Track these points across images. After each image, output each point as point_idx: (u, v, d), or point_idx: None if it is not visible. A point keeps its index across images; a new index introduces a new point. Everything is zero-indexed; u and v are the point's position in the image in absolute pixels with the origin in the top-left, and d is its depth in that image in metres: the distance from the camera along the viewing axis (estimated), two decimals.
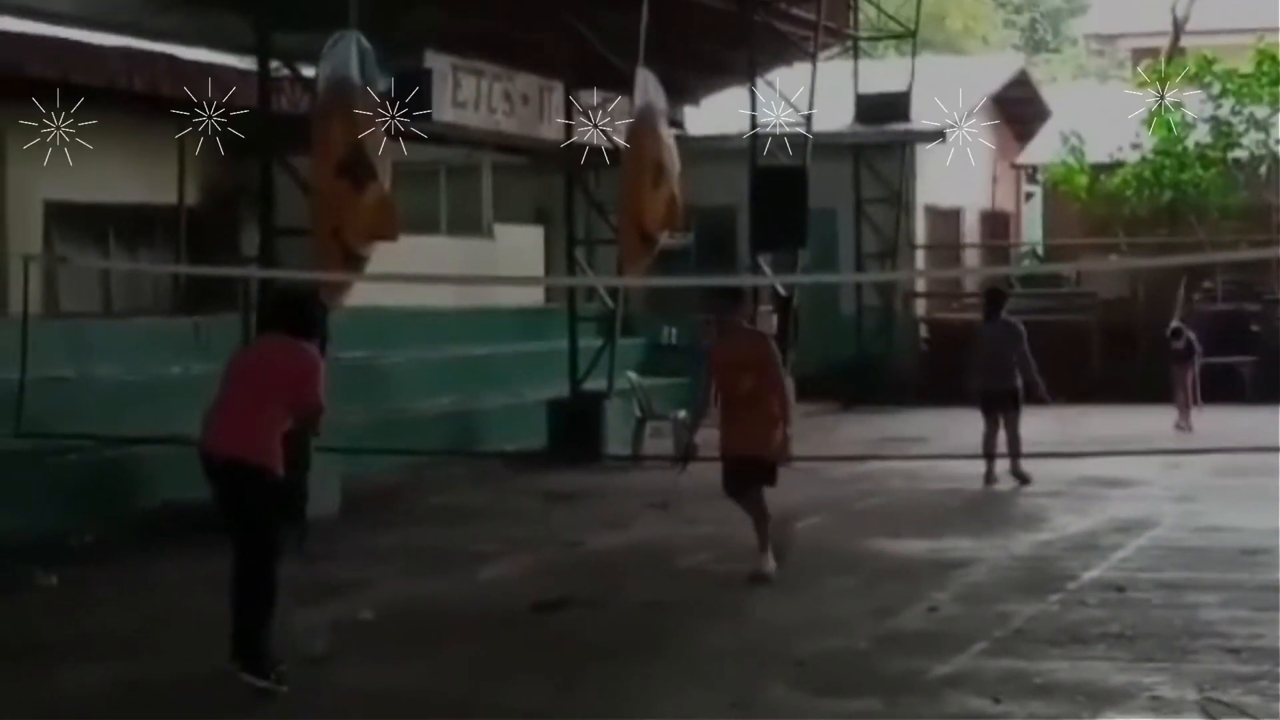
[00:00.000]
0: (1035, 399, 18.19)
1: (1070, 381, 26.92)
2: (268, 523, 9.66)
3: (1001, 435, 18.15)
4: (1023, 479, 18.00)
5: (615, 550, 14.65)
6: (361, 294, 17.26)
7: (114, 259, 20.26)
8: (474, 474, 19.55)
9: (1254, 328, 28.65)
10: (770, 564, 12.75)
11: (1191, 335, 24.62)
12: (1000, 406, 18.13)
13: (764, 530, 12.90)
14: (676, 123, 26.20)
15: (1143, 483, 17.98)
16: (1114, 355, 28.46)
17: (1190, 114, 31.40)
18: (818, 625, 11.23)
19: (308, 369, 9.88)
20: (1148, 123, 31.67)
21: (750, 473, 12.87)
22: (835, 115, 29.42)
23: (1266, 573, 12.69)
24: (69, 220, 19.32)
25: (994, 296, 19.30)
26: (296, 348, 9.95)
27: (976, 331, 19.41)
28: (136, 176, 20.03)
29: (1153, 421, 23.42)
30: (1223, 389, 25.78)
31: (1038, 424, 18.59)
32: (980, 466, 18.04)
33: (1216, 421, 22.96)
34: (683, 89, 26.32)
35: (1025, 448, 18.03)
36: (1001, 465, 18.11)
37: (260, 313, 10.82)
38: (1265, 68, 31.10)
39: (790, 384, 25.06)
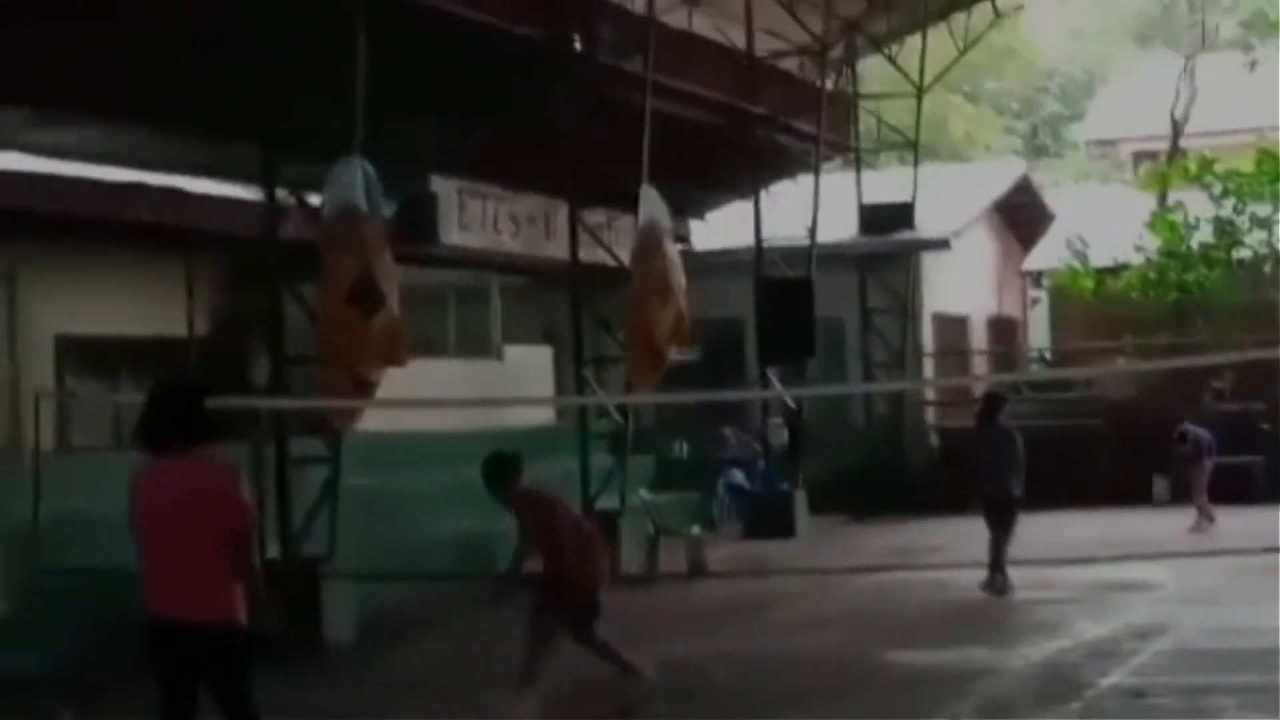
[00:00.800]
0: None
1: (1080, 485, 27.05)
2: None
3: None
4: (1002, 590, 17.88)
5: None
6: (372, 419, 17.31)
7: (125, 392, 20.32)
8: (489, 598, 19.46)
9: (1263, 426, 28.66)
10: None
11: (1203, 434, 24.61)
12: (1000, 513, 18.08)
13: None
14: (682, 238, 26.38)
15: (1158, 586, 17.93)
16: (1124, 458, 28.42)
17: (1193, 215, 31.56)
18: None
19: (221, 493, 7.96)
20: (1151, 224, 31.85)
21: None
22: (840, 226, 29.59)
23: None
24: (80, 354, 19.41)
25: (991, 402, 19.30)
26: (199, 466, 7.99)
27: (975, 438, 19.45)
28: (146, 309, 20.13)
29: (1166, 524, 23.37)
30: (1233, 488, 25.74)
31: (1042, 530, 18.50)
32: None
33: (1228, 521, 22.92)
34: (687, 204, 26.51)
35: (1037, 554, 17.99)
36: (1013, 572, 18.02)
37: (144, 420, 8.15)
38: (1265, 166, 31.28)
39: (803, 495, 25.20)
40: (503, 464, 12.46)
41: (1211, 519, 23.75)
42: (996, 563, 17.93)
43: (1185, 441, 24.40)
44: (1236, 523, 22.64)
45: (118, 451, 19.26)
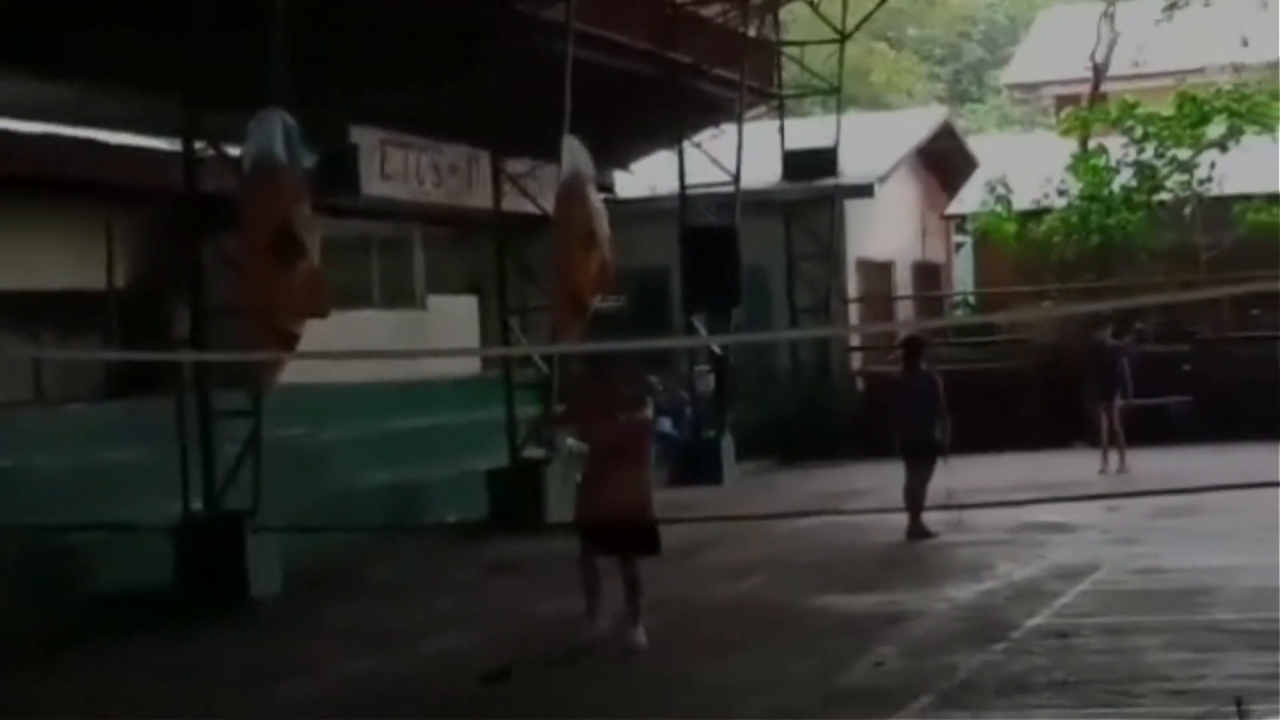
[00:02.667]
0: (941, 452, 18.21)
1: (1005, 428, 27.20)
2: None
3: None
4: (925, 534, 17.98)
5: (560, 618, 14.58)
6: (295, 371, 17.22)
7: (45, 346, 20.15)
8: (416, 547, 19.49)
9: (1185, 368, 28.87)
10: (642, 635, 12.57)
11: (1119, 353, 24.50)
12: (920, 457, 18.17)
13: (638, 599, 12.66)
14: (606, 187, 26.31)
15: (1083, 527, 18.06)
16: (1048, 401, 28.56)
17: (1114, 159, 31.72)
18: (763, 686, 11.23)
19: None
20: (1073, 169, 31.98)
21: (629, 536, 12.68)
22: (763, 173, 29.57)
23: (1209, 613, 12.78)
24: None
25: (912, 346, 19.36)
26: None
27: (896, 383, 19.51)
28: (65, 263, 19.93)
29: (1090, 466, 23.51)
30: (1155, 429, 25.93)
31: (966, 472, 18.57)
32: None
33: (1151, 462, 23.08)
34: (611, 153, 26.43)
35: (964, 497, 18.07)
36: (937, 516, 18.11)
37: None
38: (1186, 110, 31.42)
39: (730, 442, 25.26)
40: None
41: (1123, 462, 23.77)
42: (915, 507, 18.03)
43: (1101, 350, 24.32)
44: (1160, 463, 22.80)
45: (38, 405, 19.15)
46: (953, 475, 17.67)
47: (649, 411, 13.04)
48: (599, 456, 12.88)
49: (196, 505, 16.53)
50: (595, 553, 12.83)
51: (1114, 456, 23.96)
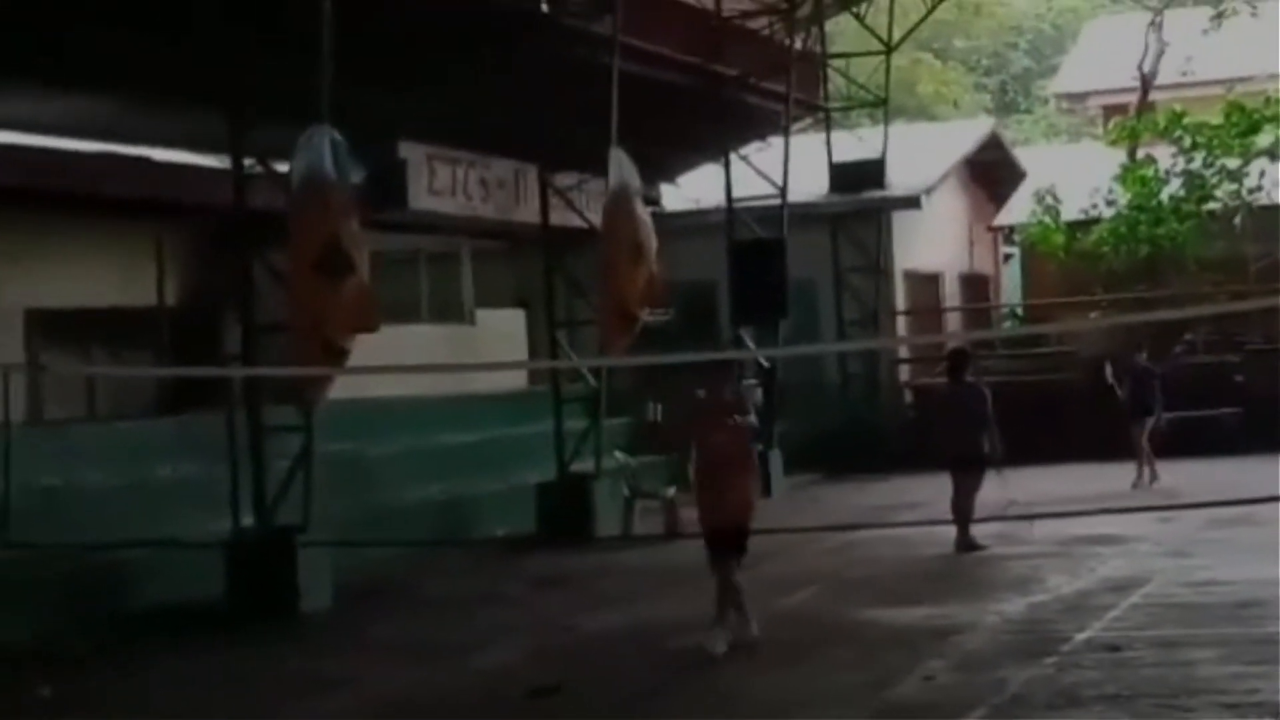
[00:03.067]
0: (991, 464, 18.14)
1: (1053, 440, 27.06)
2: None
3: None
4: (974, 547, 17.92)
5: (609, 633, 14.61)
6: (345, 386, 17.28)
7: (96, 363, 20.26)
8: (465, 561, 19.53)
9: (1237, 378, 28.71)
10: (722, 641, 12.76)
11: (1152, 372, 24.36)
12: (968, 470, 18.09)
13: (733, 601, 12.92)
14: (653, 200, 26.34)
15: (1134, 539, 17.97)
16: (1096, 413, 28.43)
17: (1163, 168, 31.59)
18: (814, 700, 11.21)
19: None
20: (1121, 179, 31.86)
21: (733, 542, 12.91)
22: (810, 185, 29.56)
23: (1262, 626, 12.68)
24: (51, 327, 19.34)
25: (958, 359, 19.29)
26: None
27: (942, 395, 19.43)
28: (116, 280, 20.07)
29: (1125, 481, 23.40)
30: (1207, 441, 25.78)
31: (1016, 485, 18.49)
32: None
33: (1203, 474, 22.95)
34: (658, 167, 26.48)
35: (1014, 510, 18.01)
36: (979, 529, 18.04)
37: None
38: (1234, 119, 31.29)
39: (778, 455, 25.21)
40: None
41: (1155, 475, 23.63)
42: (963, 520, 17.97)
43: (1131, 370, 24.20)
44: (1211, 475, 22.67)
45: (91, 423, 19.28)
46: (1007, 487, 17.61)
47: (753, 418, 13.31)
48: (713, 465, 13.05)
49: (247, 520, 16.59)
50: (720, 558, 12.98)
51: (1146, 470, 23.83)
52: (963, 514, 18.01)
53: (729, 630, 12.90)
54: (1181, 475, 23.41)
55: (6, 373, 16.06)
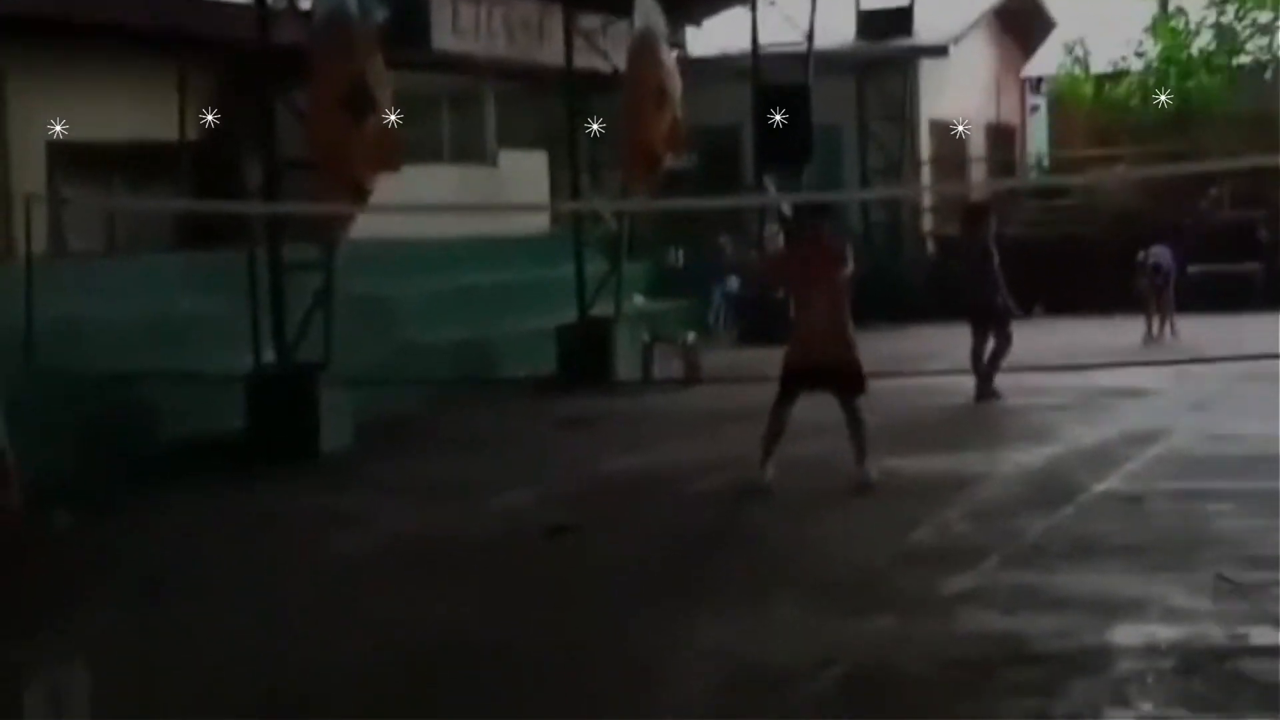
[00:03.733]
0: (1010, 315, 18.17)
1: (1077, 292, 27.01)
2: None
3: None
4: (993, 395, 17.93)
5: (628, 475, 14.66)
6: (366, 225, 17.24)
7: (117, 196, 20.23)
8: (485, 402, 19.57)
9: (1262, 234, 28.56)
10: (873, 472, 13.10)
11: (1164, 258, 24.20)
12: (986, 321, 18.08)
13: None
14: (677, 44, 26.09)
15: (1155, 393, 17.94)
16: (1121, 266, 28.32)
17: (1194, 20, 31.25)
18: (833, 545, 11.25)
19: None
20: (1151, 30, 31.54)
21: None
22: (837, 32, 29.28)
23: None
24: (72, 160, 19.29)
25: (974, 212, 19.18)
26: None
27: (958, 248, 19.34)
28: (139, 114, 19.97)
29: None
30: (1232, 296, 25.69)
31: (1038, 337, 18.47)
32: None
33: (1226, 328, 22.88)
34: (683, 10, 26.18)
35: (1034, 360, 18.00)
36: (1009, 379, 18.04)
37: None
38: None
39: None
40: None
41: (1174, 330, 23.54)
42: (980, 370, 17.99)
43: (1145, 270, 24.09)
44: (1235, 330, 22.61)
45: (111, 256, 19.27)
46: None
47: (851, 263, 13.36)
48: (811, 304, 13.20)
49: (268, 357, 16.60)
50: (792, 400, 13.26)
51: (1159, 324, 23.75)
52: (980, 364, 18.02)
53: (773, 467, 13.04)
54: (1203, 329, 23.37)
55: (29, 203, 16.06)
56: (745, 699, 7.84)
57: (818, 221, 13.96)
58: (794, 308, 13.65)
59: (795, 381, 13.24)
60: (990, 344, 18.07)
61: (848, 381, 13.28)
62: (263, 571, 11.07)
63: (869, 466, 13.19)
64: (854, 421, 13.28)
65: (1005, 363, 18.01)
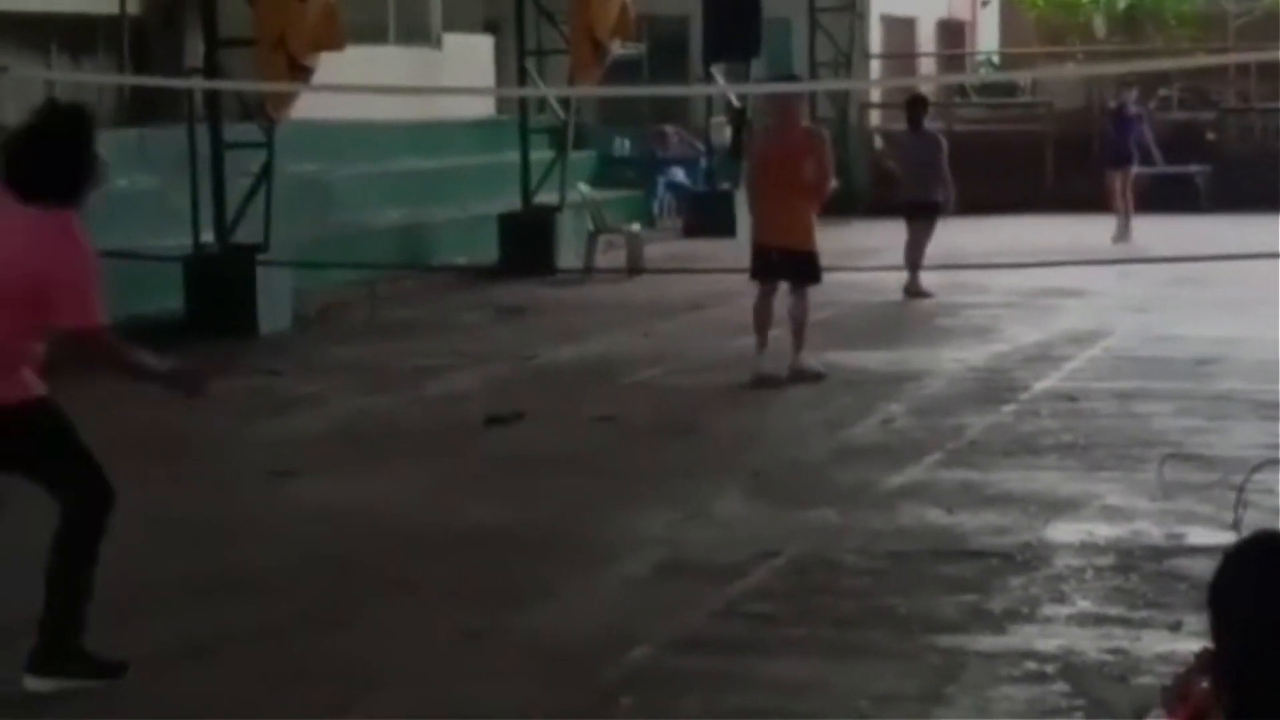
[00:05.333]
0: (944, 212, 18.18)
1: (1025, 191, 26.98)
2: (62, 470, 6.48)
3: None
4: (921, 293, 17.92)
5: (568, 364, 14.59)
6: (308, 106, 17.03)
7: (58, 69, 19.91)
8: (425, 288, 19.42)
9: (1209, 136, 28.55)
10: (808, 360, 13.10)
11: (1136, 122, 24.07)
12: (921, 217, 18.09)
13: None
14: None
15: (1096, 293, 17.93)
16: (1069, 165, 28.32)
17: None
18: (773, 438, 11.24)
19: (64, 262, 6.35)
20: None
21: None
22: None
23: (1219, 382, 12.73)
24: (10, 30, 18.96)
25: (916, 104, 19.09)
26: (40, 225, 6.32)
27: (898, 141, 19.26)
28: None
29: (1106, 232, 23.29)
30: (1178, 198, 25.69)
31: (984, 234, 18.46)
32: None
33: (1171, 230, 22.86)
34: None
35: (979, 258, 17.98)
36: (949, 277, 18.03)
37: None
38: None
39: (744, 195, 25.04)
40: None
41: (1128, 230, 23.46)
42: (913, 264, 18.01)
43: (1122, 119, 23.87)
44: (1178, 231, 22.59)
45: None
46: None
47: (827, 152, 13.37)
48: (768, 192, 13.14)
49: (207, 237, 16.42)
50: (771, 287, 13.25)
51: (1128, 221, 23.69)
52: (913, 259, 18.04)
53: (768, 350, 13.07)
54: (1150, 230, 23.32)
55: None
56: (685, 589, 7.81)
57: (794, 105, 13.67)
58: (757, 191, 13.45)
59: (763, 265, 13.21)
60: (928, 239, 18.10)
61: (801, 269, 13.19)
62: (198, 451, 10.96)
63: (806, 354, 13.19)
64: (798, 310, 13.23)
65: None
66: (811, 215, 13.27)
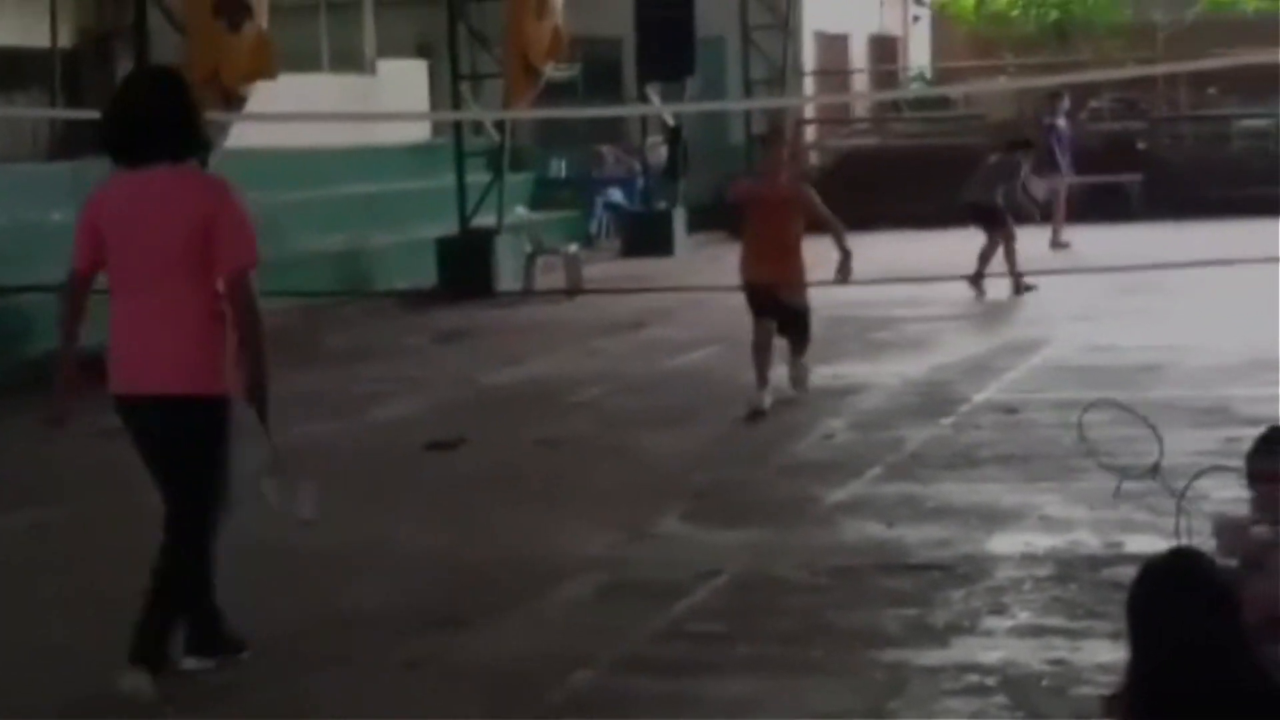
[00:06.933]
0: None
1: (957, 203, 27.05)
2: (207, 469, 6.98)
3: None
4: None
5: (508, 387, 14.59)
6: (242, 135, 16.98)
7: None
8: (365, 314, 19.39)
9: (1140, 145, 28.75)
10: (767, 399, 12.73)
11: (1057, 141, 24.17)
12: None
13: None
14: None
15: (1035, 302, 18.03)
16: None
17: None
18: (713, 456, 11.24)
19: (217, 205, 6.62)
20: None
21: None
22: None
23: (1157, 390, 12.78)
24: None
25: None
26: (189, 180, 6.72)
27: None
28: (10, 20, 19.57)
29: (1041, 242, 23.40)
30: (1109, 206, 25.84)
31: (921, 246, 18.51)
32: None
33: (1105, 240, 23.02)
34: None
35: (915, 272, 17.98)
36: (890, 290, 18.06)
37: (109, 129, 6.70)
38: None
39: (682, 213, 25.13)
40: None
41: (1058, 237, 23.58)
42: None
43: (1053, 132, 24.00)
44: (1113, 240, 22.75)
45: None
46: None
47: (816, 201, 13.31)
48: (763, 225, 12.90)
49: None
50: (766, 318, 12.94)
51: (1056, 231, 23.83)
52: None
53: (770, 388, 12.80)
54: (1084, 240, 23.50)
55: None
56: (628, 610, 7.81)
57: (778, 144, 13.92)
58: (749, 230, 13.24)
59: (755, 299, 12.97)
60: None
61: (796, 324, 13.14)
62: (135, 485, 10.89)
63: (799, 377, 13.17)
64: (798, 374, 13.16)
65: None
66: (803, 263, 13.18)
